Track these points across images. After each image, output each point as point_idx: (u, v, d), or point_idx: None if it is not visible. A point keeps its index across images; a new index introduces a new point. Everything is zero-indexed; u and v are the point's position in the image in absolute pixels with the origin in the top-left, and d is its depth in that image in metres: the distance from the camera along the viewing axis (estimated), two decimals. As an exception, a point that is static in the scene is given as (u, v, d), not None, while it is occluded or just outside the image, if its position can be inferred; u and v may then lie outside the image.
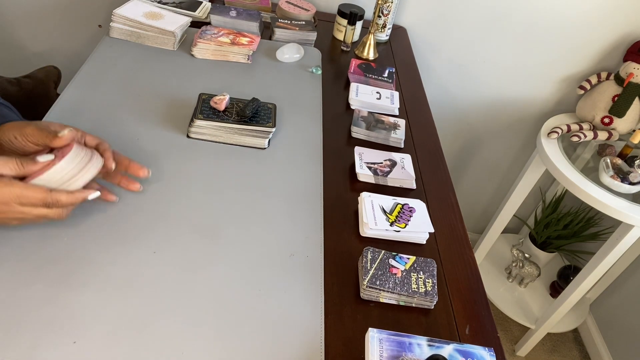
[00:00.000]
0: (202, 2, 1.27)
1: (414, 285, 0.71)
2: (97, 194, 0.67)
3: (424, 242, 0.82)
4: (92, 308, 0.60)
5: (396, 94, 1.15)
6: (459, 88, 1.67)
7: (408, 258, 0.75)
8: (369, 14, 1.46)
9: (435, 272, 0.74)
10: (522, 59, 1.59)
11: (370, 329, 0.63)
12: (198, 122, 0.88)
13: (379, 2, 1.28)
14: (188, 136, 0.89)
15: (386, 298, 0.71)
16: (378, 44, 1.42)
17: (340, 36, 1.38)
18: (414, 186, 0.93)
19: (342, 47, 1.35)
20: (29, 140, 0.66)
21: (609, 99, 1.48)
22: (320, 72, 1.18)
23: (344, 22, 1.34)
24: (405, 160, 0.97)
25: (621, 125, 1.48)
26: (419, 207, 0.85)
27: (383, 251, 0.75)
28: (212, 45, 1.11)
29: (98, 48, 1.06)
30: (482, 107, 1.71)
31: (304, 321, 0.65)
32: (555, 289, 1.85)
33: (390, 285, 0.70)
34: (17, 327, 0.57)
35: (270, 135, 0.91)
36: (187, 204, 0.77)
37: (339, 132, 1.03)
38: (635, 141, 1.35)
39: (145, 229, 0.71)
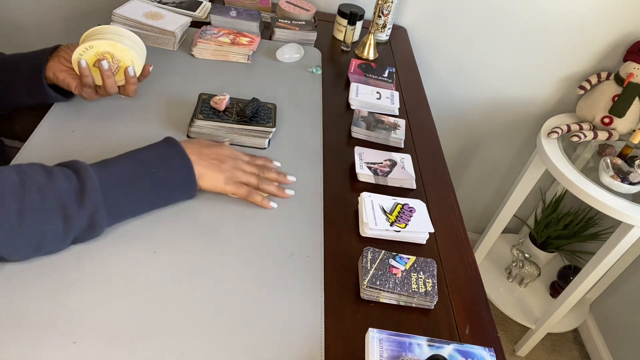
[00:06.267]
0: (202, 2, 1.27)
1: (414, 285, 0.71)
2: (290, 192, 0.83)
3: (424, 242, 0.82)
4: (92, 308, 0.60)
5: (396, 94, 1.15)
6: (459, 88, 1.67)
7: (408, 258, 0.75)
8: (369, 14, 1.46)
9: (435, 272, 0.74)
10: (522, 59, 1.59)
11: (370, 329, 0.63)
12: (198, 122, 0.88)
13: (379, 2, 1.28)
14: (188, 136, 0.89)
15: (386, 298, 0.71)
16: (378, 44, 1.42)
17: (340, 36, 1.38)
18: (414, 186, 0.93)
19: (342, 47, 1.35)
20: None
21: (609, 99, 1.48)
22: (320, 72, 1.18)
23: (344, 22, 1.34)
24: (405, 160, 0.97)
25: (621, 125, 1.48)
26: (419, 207, 0.85)
27: (383, 251, 0.75)
28: (212, 45, 1.11)
29: (98, 48, 1.06)
30: (482, 107, 1.71)
31: (304, 321, 0.65)
32: (555, 289, 1.85)
33: (391, 285, 0.70)
34: (17, 327, 0.57)
35: (270, 135, 0.91)
36: (187, 203, 0.77)
37: (339, 132, 1.03)
38: (635, 141, 1.35)
39: (145, 229, 0.71)
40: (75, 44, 0.84)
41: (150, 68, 0.89)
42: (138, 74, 0.86)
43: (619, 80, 1.47)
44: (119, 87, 0.86)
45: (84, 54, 0.81)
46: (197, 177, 0.74)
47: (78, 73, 0.82)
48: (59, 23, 1.65)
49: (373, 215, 0.81)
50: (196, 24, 1.20)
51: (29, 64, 0.83)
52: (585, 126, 1.52)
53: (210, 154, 0.77)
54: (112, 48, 0.82)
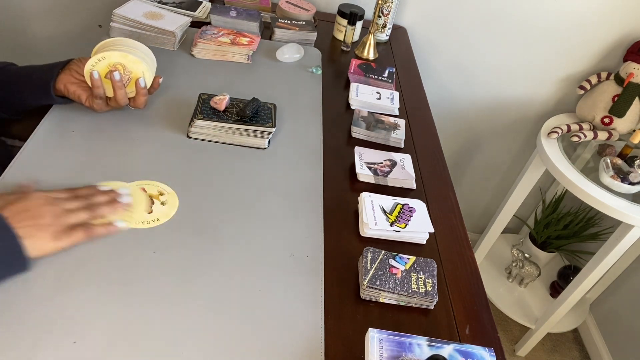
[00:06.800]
0: (202, 2, 1.27)
1: (414, 286, 0.71)
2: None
3: (424, 242, 0.82)
4: (92, 308, 0.60)
5: (396, 94, 1.15)
6: (459, 88, 1.67)
7: (408, 258, 0.75)
8: (369, 14, 1.46)
9: (435, 272, 0.74)
10: (522, 59, 1.59)
11: (370, 329, 0.63)
12: (198, 122, 0.88)
13: (379, 2, 1.28)
14: (188, 136, 0.89)
15: (386, 298, 0.71)
16: (378, 44, 1.42)
17: (340, 36, 1.38)
18: (414, 186, 0.93)
19: (342, 47, 1.35)
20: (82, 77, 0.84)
21: (609, 99, 1.48)
22: (320, 72, 1.18)
23: (344, 22, 1.34)
24: (405, 160, 0.97)
25: (621, 125, 1.48)
26: (419, 207, 0.85)
27: (383, 251, 0.75)
28: (212, 45, 1.11)
29: (98, 48, 1.06)
30: (482, 107, 1.71)
31: (304, 321, 0.65)
32: (555, 289, 1.85)
33: (390, 285, 0.70)
34: (17, 327, 0.57)
35: (270, 136, 0.91)
36: (187, 204, 0.77)
37: (339, 132, 1.03)
38: (635, 141, 1.35)
39: (145, 229, 0.71)
40: (86, 57, 0.85)
41: (160, 80, 0.89)
42: (149, 86, 0.87)
43: (619, 80, 1.47)
44: (129, 98, 0.86)
45: (96, 65, 0.81)
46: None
47: (90, 84, 0.82)
48: (55, 17, 1.65)
49: (373, 215, 0.81)
50: (196, 24, 1.20)
51: (40, 76, 0.83)
52: (585, 126, 1.52)
53: (19, 215, 0.62)
54: (124, 59, 0.82)
